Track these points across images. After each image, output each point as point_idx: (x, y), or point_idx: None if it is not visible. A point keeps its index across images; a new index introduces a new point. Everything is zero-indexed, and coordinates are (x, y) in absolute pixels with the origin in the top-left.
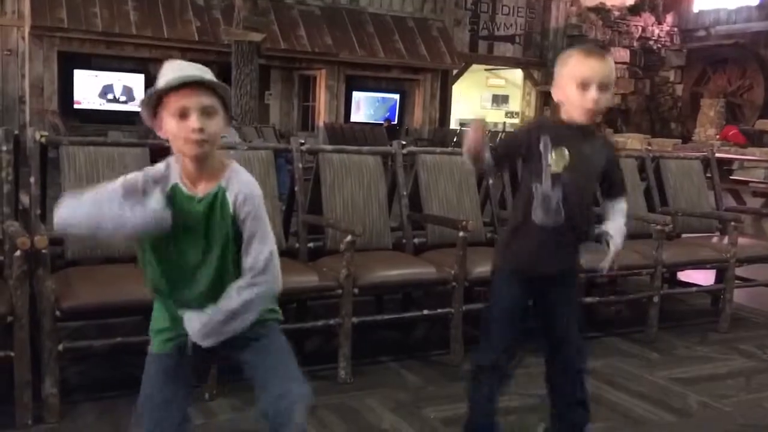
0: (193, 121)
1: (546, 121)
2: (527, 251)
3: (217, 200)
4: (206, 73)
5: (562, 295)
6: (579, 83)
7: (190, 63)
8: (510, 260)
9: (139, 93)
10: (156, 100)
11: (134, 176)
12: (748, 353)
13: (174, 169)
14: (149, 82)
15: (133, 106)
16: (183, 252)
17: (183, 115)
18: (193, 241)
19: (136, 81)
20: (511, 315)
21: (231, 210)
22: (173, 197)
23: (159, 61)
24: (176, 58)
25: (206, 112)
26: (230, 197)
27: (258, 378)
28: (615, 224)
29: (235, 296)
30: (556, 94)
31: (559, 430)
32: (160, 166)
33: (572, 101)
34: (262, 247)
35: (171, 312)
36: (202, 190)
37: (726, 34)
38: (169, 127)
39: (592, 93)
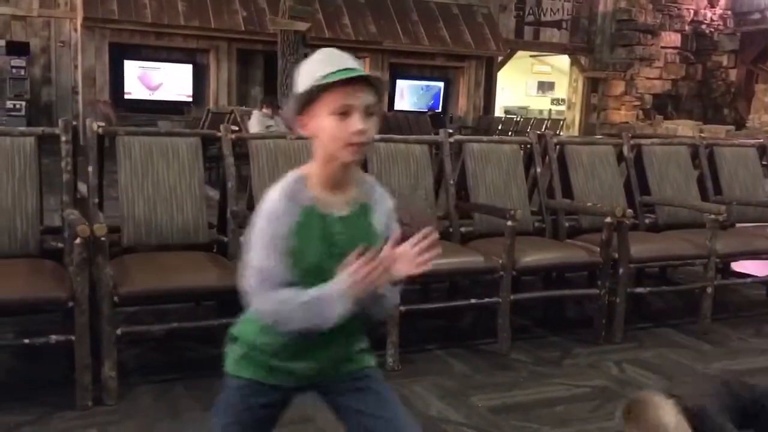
0: (357, 121)
1: None
2: None
3: (363, 219)
4: (361, 65)
5: None
6: None
7: (342, 53)
8: None
9: (187, 83)
10: (311, 95)
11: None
12: None
13: (305, 181)
14: (197, 72)
15: (181, 96)
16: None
17: (345, 114)
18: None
19: (183, 71)
20: None
21: (380, 230)
22: (309, 217)
23: (206, 51)
24: (223, 49)
25: (368, 112)
26: (377, 216)
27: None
28: None
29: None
30: None
31: None
32: (288, 181)
33: None
34: None
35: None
36: (340, 205)
37: None
38: (324, 125)
39: None
